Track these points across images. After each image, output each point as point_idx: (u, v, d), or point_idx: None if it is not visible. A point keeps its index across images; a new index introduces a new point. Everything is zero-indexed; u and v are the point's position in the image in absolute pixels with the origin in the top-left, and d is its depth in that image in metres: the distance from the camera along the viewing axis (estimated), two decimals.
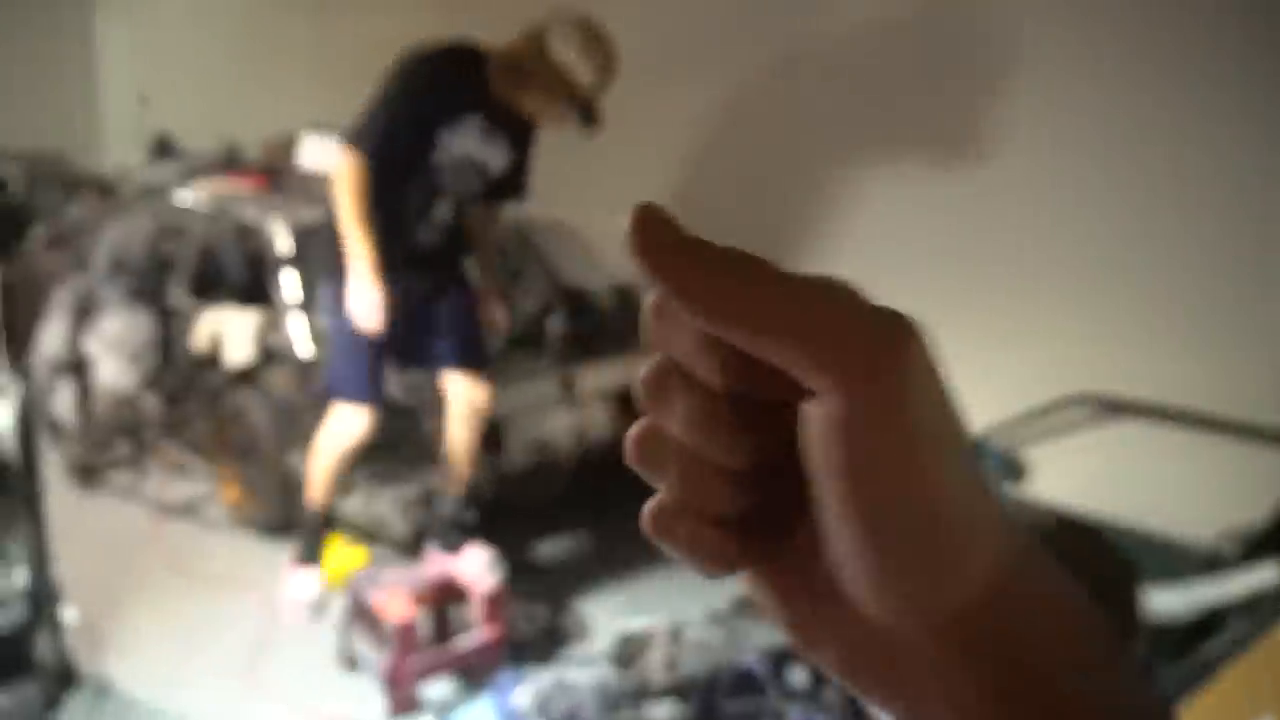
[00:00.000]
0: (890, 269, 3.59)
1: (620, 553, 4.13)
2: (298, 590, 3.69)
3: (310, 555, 3.71)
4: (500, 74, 3.38)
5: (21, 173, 7.08)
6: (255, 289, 4.30)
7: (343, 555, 3.77)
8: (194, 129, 6.88)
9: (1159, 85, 3.42)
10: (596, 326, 4.44)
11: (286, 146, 5.22)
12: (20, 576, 2.82)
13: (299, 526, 3.80)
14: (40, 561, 2.84)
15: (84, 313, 4.70)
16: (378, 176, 3.33)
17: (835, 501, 0.32)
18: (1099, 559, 2.49)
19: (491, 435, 3.90)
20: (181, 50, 7.78)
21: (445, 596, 3.34)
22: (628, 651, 3.19)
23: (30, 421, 2.89)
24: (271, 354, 4.16)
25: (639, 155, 4.67)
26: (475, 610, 3.35)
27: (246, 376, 4.21)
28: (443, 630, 3.32)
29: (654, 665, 3.09)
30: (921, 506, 0.32)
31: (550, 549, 4.15)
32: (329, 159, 3.85)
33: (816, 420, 0.31)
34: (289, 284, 4.14)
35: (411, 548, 3.86)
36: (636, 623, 3.35)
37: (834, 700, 2.90)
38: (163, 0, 8.24)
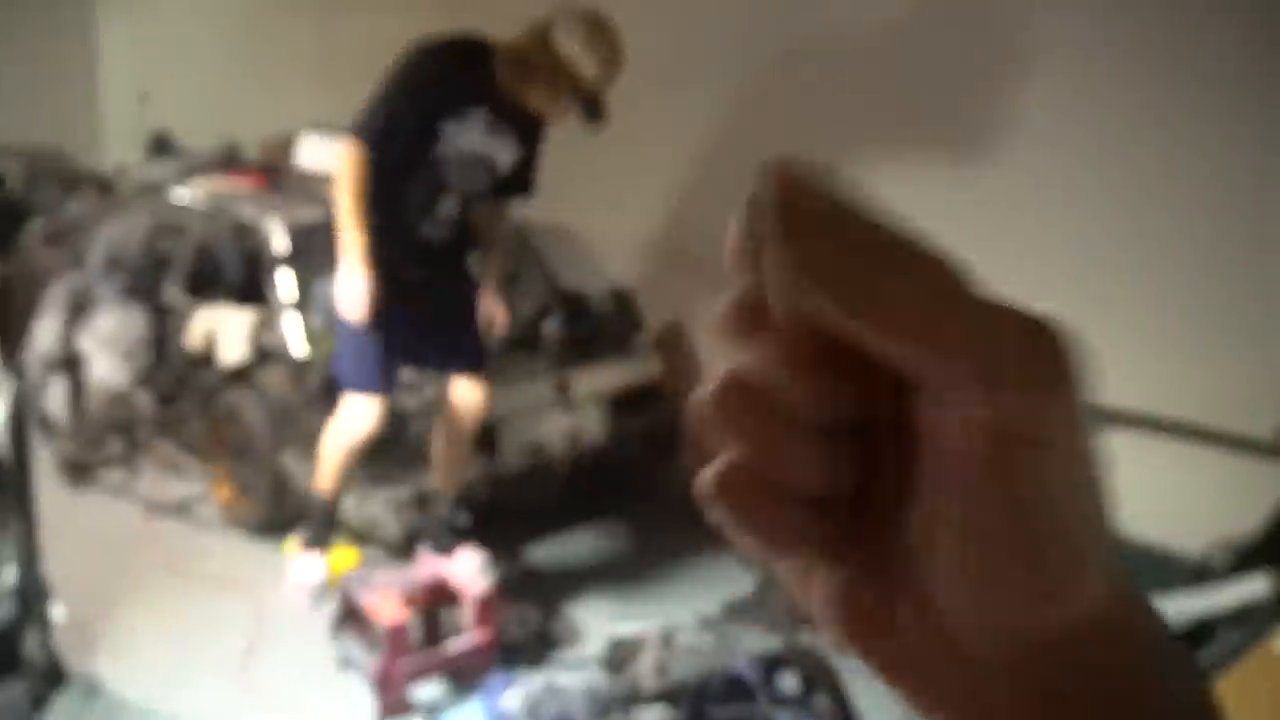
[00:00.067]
0: None
1: (612, 557, 4.13)
2: (302, 574, 3.72)
3: (317, 541, 3.73)
4: (506, 67, 3.35)
5: (21, 169, 7.08)
6: (251, 288, 4.30)
7: (335, 556, 3.77)
8: (193, 127, 6.89)
9: (1151, 86, 3.40)
10: (593, 330, 4.44)
11: (285, 146, 5.22)
12: (9, 574, 2.81)
13: (306, 517, 3.80)
14: (30, 559, 2.83)
15: (79, 309, 4.69)
16: (380, 169, 3.30)
17: (961, 505, 0.29)
18: None
19: (486, 437, 3.90)
20: (181, 48, 7.78)
21: (437, 599, 3.34)
22: (618, 656, 3.19)
23: (22, 418, 2.87)
24: (266, 353, 4.15)
25: (638, 158, 4.66)
26: (467, 613, 3.34)
27: (241, 376, 4.21)
28: (434, 633, 3.31)
29: (644, 670, 3.08)
30: (1050, 521, 0.29)
31: (543, 552, 4.15)
32: (328, 158, 3.84)
33: (963, 424, 0.28)
34: (285, 283, 4.14)
35: (403, 549, 3.86)
36: (627, 627, 3.34)
37: (824, 707, 2.90)
38: None
